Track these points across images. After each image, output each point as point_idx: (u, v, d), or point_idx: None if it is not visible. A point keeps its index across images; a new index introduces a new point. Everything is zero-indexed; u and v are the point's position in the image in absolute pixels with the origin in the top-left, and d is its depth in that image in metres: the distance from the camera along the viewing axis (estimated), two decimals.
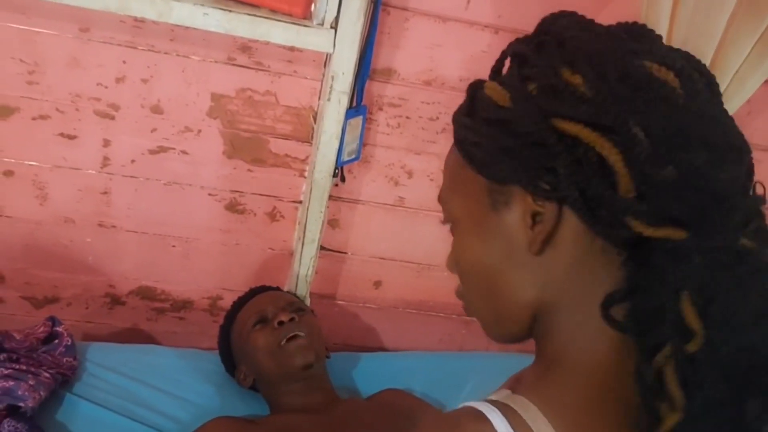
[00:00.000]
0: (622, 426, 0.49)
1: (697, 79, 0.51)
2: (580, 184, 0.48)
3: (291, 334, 1.23)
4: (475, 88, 0.57)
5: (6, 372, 1.13)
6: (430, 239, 1.59)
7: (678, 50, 0.53)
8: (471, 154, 0.55)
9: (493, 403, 0.50)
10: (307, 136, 1.44)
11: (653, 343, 0.46)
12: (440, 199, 0.61)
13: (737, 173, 0.49)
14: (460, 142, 0.57)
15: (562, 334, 0.53)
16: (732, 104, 1.22)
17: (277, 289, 1.45)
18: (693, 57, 0.53)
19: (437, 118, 1.44)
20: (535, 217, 0.51)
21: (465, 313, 0.61)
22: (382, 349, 1.73)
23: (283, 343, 1.22)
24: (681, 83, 0.49)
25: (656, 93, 0.48)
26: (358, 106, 1.33)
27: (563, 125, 0.48)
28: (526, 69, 0.53)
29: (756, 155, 0.52)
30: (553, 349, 0.53)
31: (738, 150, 0.50)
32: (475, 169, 0.55)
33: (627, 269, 0.49)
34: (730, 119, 0.52)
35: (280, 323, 1.24)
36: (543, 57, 0.52)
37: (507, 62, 0.59)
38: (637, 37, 0.53)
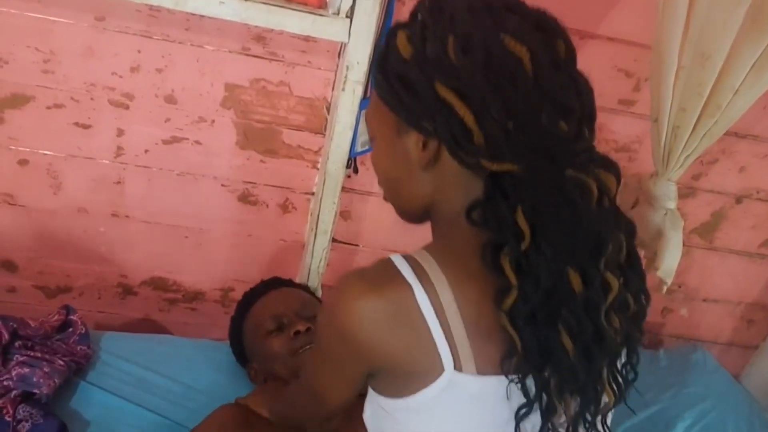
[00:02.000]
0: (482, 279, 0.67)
1: (543, 53, 0.67)
2: (449, 132, 0.67)
3: (307, 345, 1.22)
4: (391, 35, 0.73)
5: (21, 359, 1.13)
6: None
7: (537, 26, 0.70)
8: (383, 97, 0.73)
9: (403, 256, 0.70)
10: (320, 127, 1.43)
11: (499, 240, 0.66)
12: (366, 117, 0.80)
13: (568, 128, 0.68)
14: (377, 86, 0.75)
15: (445, 220, 0.74)
16: (748, 97, 1.21)
17: (290, 282, 1.42)
18: (549, 32, 0.70)
19: None
20: (424, 144, 0.71)
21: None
22: None
23: (299, 352, 1.22)
24: (531, 57, 0.66)
25: (508, 67, 0.66)
26: None
27: (441, 90, 0.67)
28: (426, 30, 0.69)
29: None
30: (440, 230, 0.76)
31: (570, 110, 0.68)
32: (386, 106, 0.73)
33: (485, 186, 0.69)
34: (574, 84, 0.70)
35: (297, 333, 1.23)
36: (437, 24, 0.69)
37: None
38: (509, 8, 0.70)
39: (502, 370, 0.67)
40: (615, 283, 0.68)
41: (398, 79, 0.70)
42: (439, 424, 0.69)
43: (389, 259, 0.69)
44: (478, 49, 0.66)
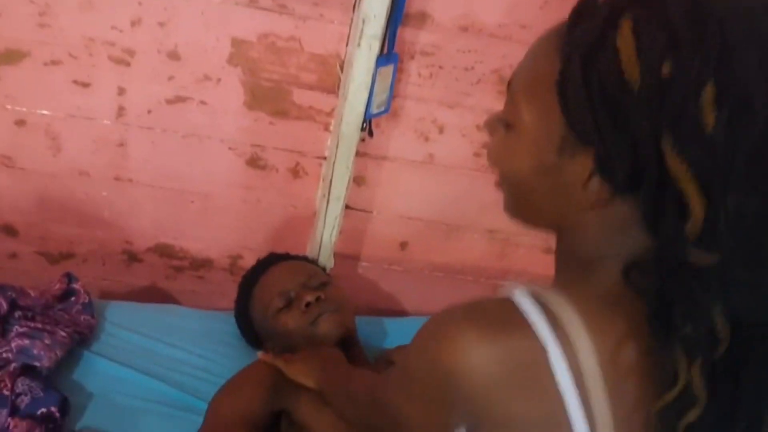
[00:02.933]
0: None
1: None
2: (654, 202, 0.50)
3: (321, 314, 1.17)
4: (611, 23, 0.50)
5: (21, 330, 1.08)
6: (461, 199, 1.51)
7: None
8: (567, 100, 0.52)
9: (529, 293, 0.54)
10: (332, 86, 1.35)
11: (684, 340, 0.50)
12: (510, 84, 0.59)
13: None
14: (562, 82, 0.53)
15: (584, 256, 0.57)
16: None
17: (288, 256, 1.35)
18: None
19: (473, 68, 1.34)
20: (590, 178, 0.52)
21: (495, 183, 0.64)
22: (407, 313, 1.68)
23: (313, 322, 1.17)
24: None
25: None
26: (389, 53, 1.24)
27: (669, 154, 0.47)
28: (674, 48, 0.47)
29: None
30: (574, 263, 0.58)
31: None
32: (562, 112, 0.53)
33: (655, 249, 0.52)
34: None
35: (308, 305, 1.17)
36: (697, 47, 0.47)
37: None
38: None
39: None
40: None
41: (605, 102, 0.50)
42: None
43: (510, 299, 0.53)
44: (751, 121, 0.46)
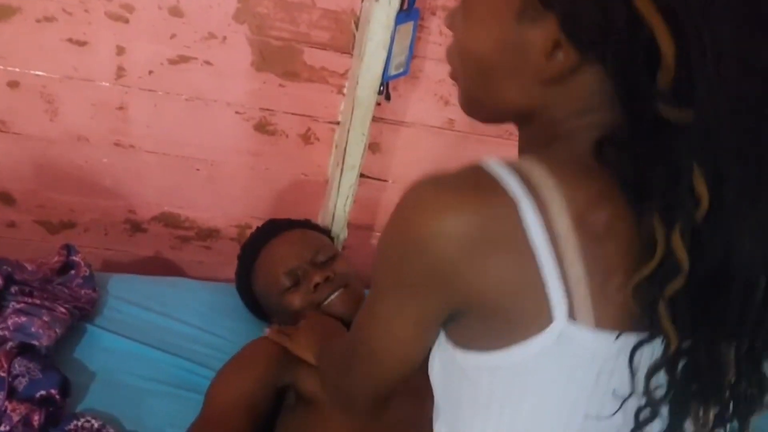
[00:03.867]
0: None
1: None
2: (621, 55, 0.48)
3: (330, 293, 1.11)
4: None
5: (18, 306, 1.02)
6: None
7: None
8: None
9: (499, 160, 0.51)
10: (347, 45, 1.25)
11: (663, 203, 0.47)
12: None
13: None
14: None
15: (549, 132, 0.54)
16: None
17: (290, 223, 1.26)
18: None
19: None
20: (555, 46, 0.50)
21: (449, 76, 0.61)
22: None
23: (322, 304, 1.11)
24: None
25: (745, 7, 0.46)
26: (409, 8, 1.14)
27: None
28: None
29: None
30: (538, 140, 0.55)
31: None
32: None
33: (634, 123, 0.50)
34: None
35: (316, 285, 1.10)
36: None
37: None
38: None
39: (628, 325, 0.50)
40: None
41: None
42: (535, 393, 0.53)
43: (480, 164, 0.51)
44: None
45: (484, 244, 0.48)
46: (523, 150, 0.58)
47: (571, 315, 0.49)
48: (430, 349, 0.59)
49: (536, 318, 0.49)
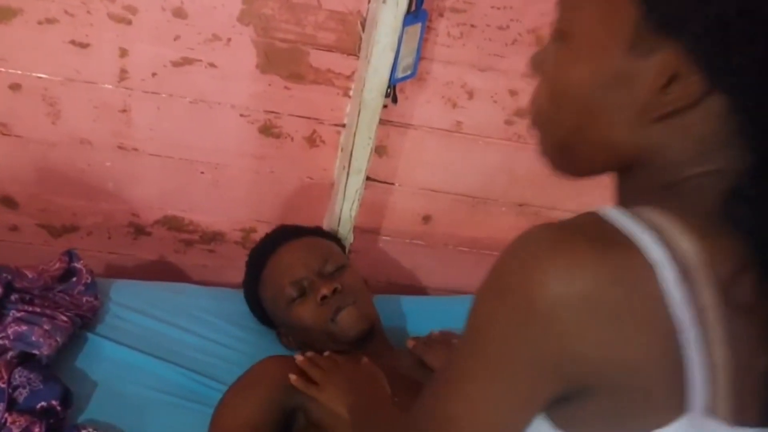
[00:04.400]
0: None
1: None
2: (762, 86, 0.41)
3: (340, 308, 1.07)
4: None
5: (18, 315, 1.00)
6: (489, 170, 1.41)
7: None
8: None
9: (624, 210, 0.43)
10: (353, 47, 1.23)
11: None
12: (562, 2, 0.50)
13: None
14: None
15: (661, 183, 0.47)
16: None
17: (299, 230, 1.23)
18: None
19: (507, 27, 1.21)
20: (671, 82, 0.44)
21: (529, 123, 0.53)
22: (429, 289, 1.59)
23: (333, 319, 1.07)
24: None
25: None
26: (417, 10, 1.11)
27: None
28: None
29: None
30: (658, 197, 0.47)
31: None
32: None
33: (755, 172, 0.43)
34: None
35: (323, 298, 1.07)
36: None
37: None
38: None
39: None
40: None
41: None
42: None
43: (601, 214, 0.43)
44: None
45: (617, 312, 0.41)
46: (625, 203, 0.49)
47: (710, 406, 0.41)
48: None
49: (667, 405, 0.42)
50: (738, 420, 0.42)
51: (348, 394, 0.89)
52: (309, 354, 0.99)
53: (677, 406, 0.41)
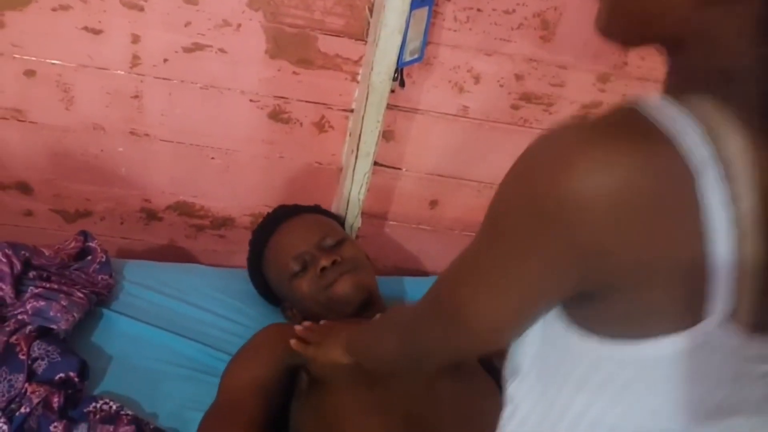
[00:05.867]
0: None
1: None
2: None
3: (338, 277, 1.10)
4: None
5: (36, 291, 1.03)
6: (496, 155, 1.42)
7: None
8: None
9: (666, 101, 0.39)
10: (361, 32, 1.25)
11: None
12: None
13: None
14: None
15: (716, 74, 0.42)
16: None
17: (298, 208, 1.26)
18: None
19: (514, 11, 1.23)
20: None
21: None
22: (436, 274, 1.61)
23: (330, 288, 1.10)
24: None
25: None
26: None
27: None
28: None
29: None
30: (708, 84, 0.43)
31: None
32: None
33: None
34: None
35: (323, 269, 1.10)
36: None
37: None
38: None
39: None
40: None
41: None
42: (663, 393, 0.44)
43: (637, 108, 0.40)
44: None
45: (649, 212, 0.39)
46: (675, 89, 0.45)
47: (732, 312, 0.40)
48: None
49: (687, 310, 0.40)
50: (758, 328, 0.41)
51: (339, 341, 0.92)
52: (307, 323, 1.04)
53: (697, 312, 0.41)
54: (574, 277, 0.43)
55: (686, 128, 0.39)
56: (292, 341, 0.99)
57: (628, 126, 0.40)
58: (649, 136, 0.39)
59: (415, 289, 1.40)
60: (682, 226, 0.39)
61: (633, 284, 0.41)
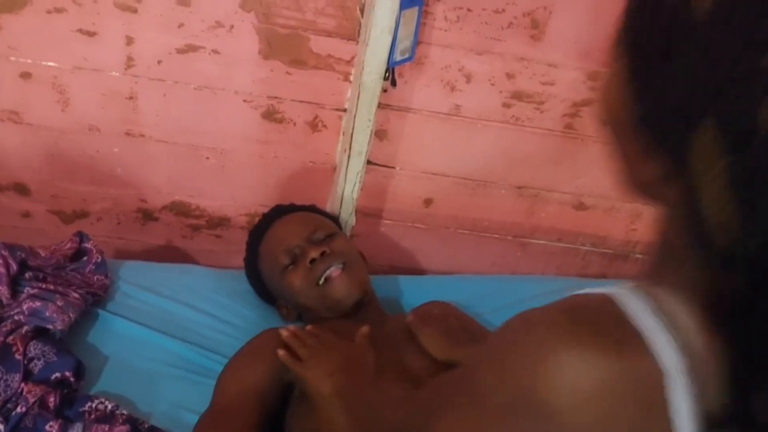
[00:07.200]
0: None
1: None
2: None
3: (327, 271, 1.10)
4: None
5: (32, 292, 1.04)
6: (487, 153, 1.43)
7: None
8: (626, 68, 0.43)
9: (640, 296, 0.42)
10: (352, 32, 1.26)
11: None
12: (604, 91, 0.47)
13: None
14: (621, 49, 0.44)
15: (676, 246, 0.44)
16: None
17: (293, 207, 1.28)
18: None
19: (503, 10, 1.24)
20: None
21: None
22: (431, 272, 1.62)
23: (321, 282, 1.11)
24: None
25: None
26: None
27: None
28: None
29: None
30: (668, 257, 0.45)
31: None
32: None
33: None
34: None
35: (312, 261, 1.11)
36: None
37: None
38: None
39: None
40: None
41: (687, 44, 0.38)
42: None
43: (616, 304, 0.42)
44: None
45: (617, 416, 0.41)
46: (655, 269, 0.46)
47: None
48: None
49: None
50: None
51: (330, 375, 0.90)
52: (292, 328, 1.03)
53: None
54: None
55: (656, 331, 0.41)
56: (280, 352, 0.98)
57: (606, 327, 0.42)
58: (623, 340, 0.41)
59: (410, 288, 1.41)
60: (653, 424, 0.41)
61: None
